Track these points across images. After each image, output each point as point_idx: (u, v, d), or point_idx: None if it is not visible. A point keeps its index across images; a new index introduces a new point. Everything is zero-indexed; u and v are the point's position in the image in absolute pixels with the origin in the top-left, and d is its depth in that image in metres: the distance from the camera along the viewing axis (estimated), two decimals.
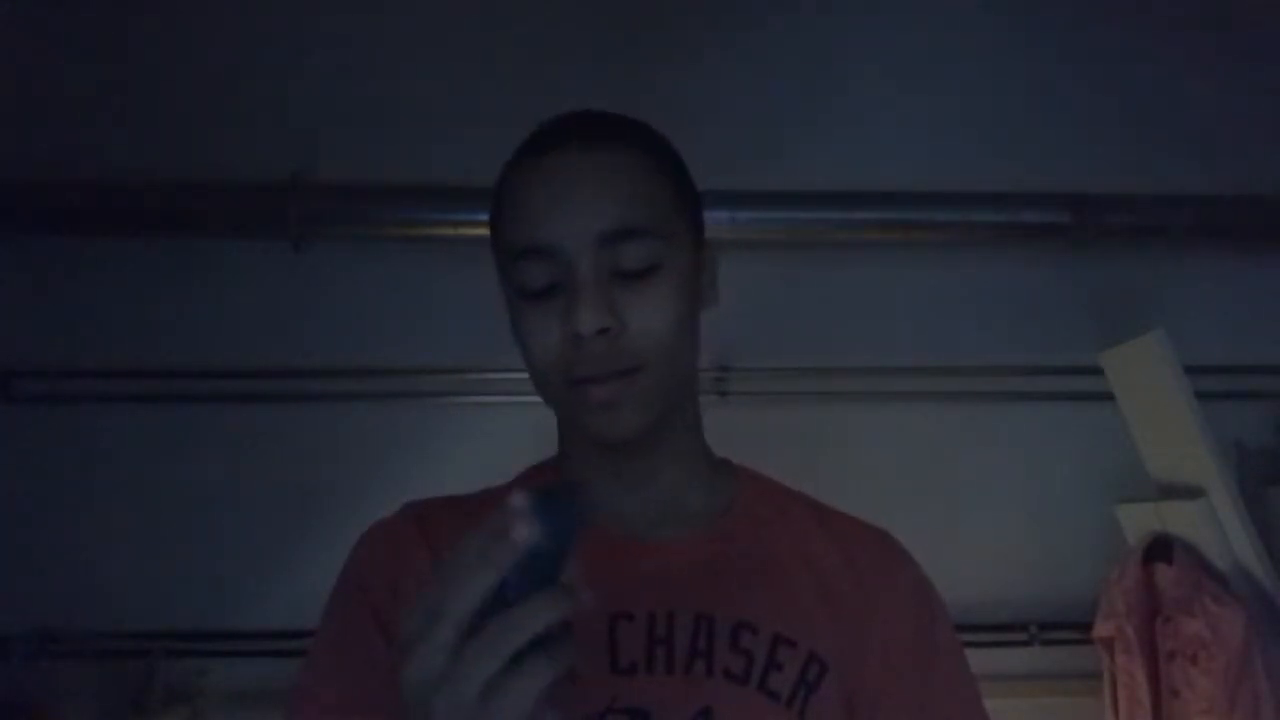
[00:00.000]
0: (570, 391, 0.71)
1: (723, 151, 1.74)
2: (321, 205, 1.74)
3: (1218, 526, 1.54)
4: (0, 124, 1.78)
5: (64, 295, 1.79)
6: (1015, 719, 1.36)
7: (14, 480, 1.73)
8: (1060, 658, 1.74)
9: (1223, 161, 1.91)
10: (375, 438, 1.77)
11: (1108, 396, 1.75)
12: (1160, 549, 1.59)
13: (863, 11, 1.93)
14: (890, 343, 1.85)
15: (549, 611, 0.48)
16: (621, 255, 0.69)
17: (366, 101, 1.84)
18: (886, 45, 1.93)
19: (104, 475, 1.75)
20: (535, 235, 0.70)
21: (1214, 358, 1.78)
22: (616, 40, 1.89)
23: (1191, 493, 1.58)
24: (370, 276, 1.82)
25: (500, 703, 0.47)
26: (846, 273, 1.87)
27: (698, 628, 0.71)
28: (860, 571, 0.77)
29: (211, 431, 1.77)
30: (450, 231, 1.73)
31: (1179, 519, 1.59)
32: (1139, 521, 1.68)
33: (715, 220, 1.68)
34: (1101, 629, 1.62)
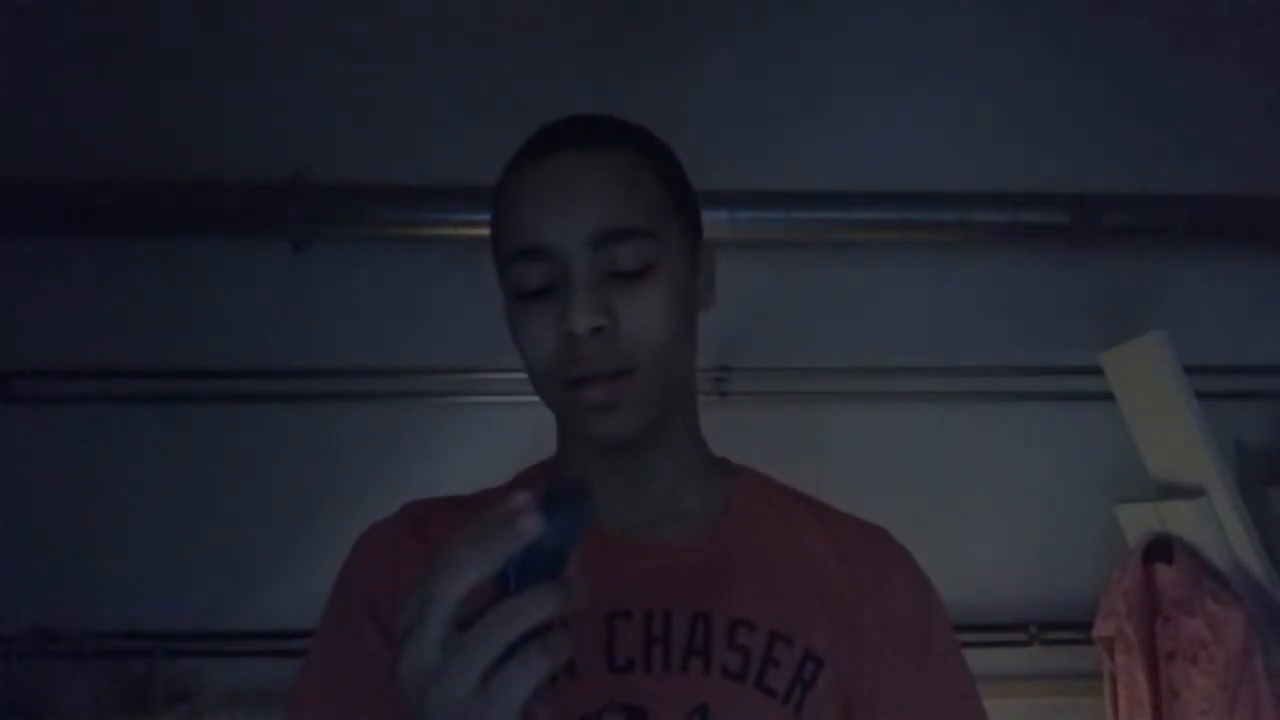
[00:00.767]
0: (567, 392, 0.71)
1: (723, 151, 1.75)
2: (321, 205, 1.74)
3: (1218, 526, 1.54)
4: (1, 124, 1.78)
5: (64, 295, 1.79)
6: (1015, 719, 1.36)
7: (14, 480, 1.73)
8: (1060, 658, 1.74)
9: (1223, 161, 1.91)
10: (375, 438, 1.77)
11: (1108, 396, 1.75)
12: (1160, 549, 1.60)
13: (863, 11, 1.93)
14: (890, 343, 1.85)
15: (548, 603, 0.48)
16: (616, 256, 0.70)
17: (366, 101, 1.84)
18: (886, 45, 1.93)
19: (104, 475, 1.75)
20: (531, 236, 0.71)
21: (1214, 358, 1.78)
22: (616, 40, 1.89)
23: (1191, 493, 1.58)
24: (370, 276, 1.82)
25: (496, 692, 0.47)
26: (846, 273, 1.87)
27: (695, 626, 0.71)
28: (858, 570, 0.77)
29: (212, 431, 1.77)
30: (450, 231, 1.72)
31: (1179, 519, 1.59)
32: (1139, 521, 1.68)
33: (715, 220, 1.69)
34: (1101, 629, 1.62)
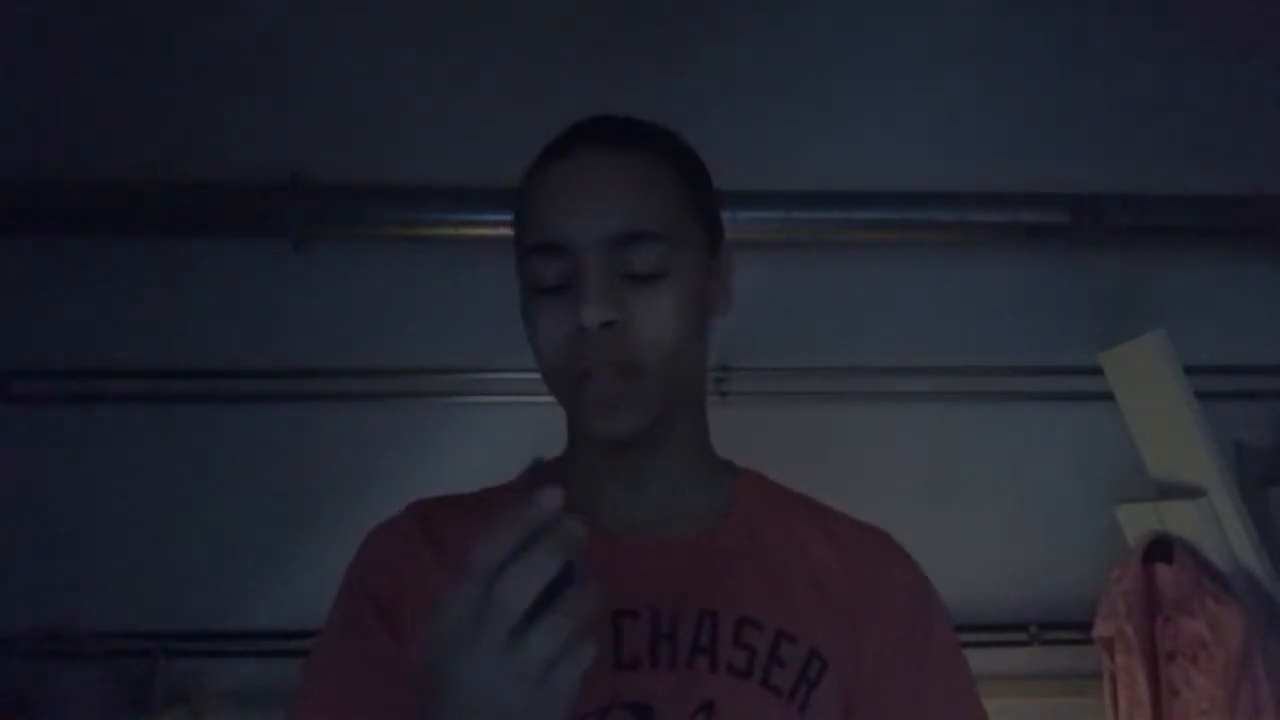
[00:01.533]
0: (574, 387, 0.72)
1: (723, 151, 1.74)
2: (321, 205, 1.74)
3: (1218, 526, 1.54)
4: (1, 124, 1.79)
5: (64, 295, 1.78)
6: (1015, 719, 1.36)
7: (14, 480, 1.73)
8: (1060, 658, 1.74)
9: (1222, 161, 1.90)
10: (375, 438, 1.77)
11: (1108, 396, 1.75)
12: (1160, 549, 1.60)
13: (863, 11, 1.93)
14: (890, 343, 1.85)
15: (591, 599, 0.53)
16: (630, 258, 0.71)
17: (366, 101, 1.84)
18: (886, 45, 1.93)
19: (104, 475, 1.75)
20: (548, 232, 0.72)
21: (1214, 358, 1.78)
22: (616, 40, 1.89)
23: (1191, 493, 1.58)
24: (370, 276, 1.82)
25: (558, 678, 0.51)
26: (846, 273, 1.87)
27: (701, 624, 0.72)
28: (859, 571, 0.77)
29: (212, 431, 1.77)
30: (450, 231, 1.72)
31: (1179, 519, 1.59)
32: (1139, 521, 1.68)
33: None
34: (1101, 629, 1.62)
